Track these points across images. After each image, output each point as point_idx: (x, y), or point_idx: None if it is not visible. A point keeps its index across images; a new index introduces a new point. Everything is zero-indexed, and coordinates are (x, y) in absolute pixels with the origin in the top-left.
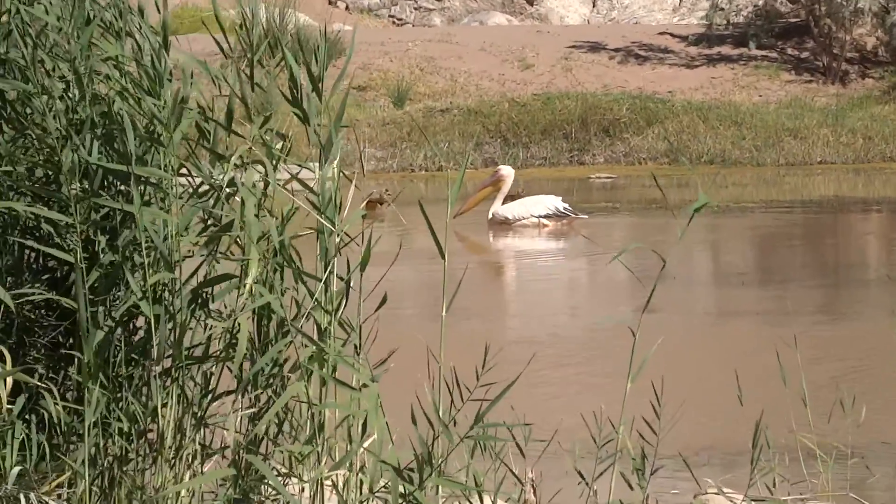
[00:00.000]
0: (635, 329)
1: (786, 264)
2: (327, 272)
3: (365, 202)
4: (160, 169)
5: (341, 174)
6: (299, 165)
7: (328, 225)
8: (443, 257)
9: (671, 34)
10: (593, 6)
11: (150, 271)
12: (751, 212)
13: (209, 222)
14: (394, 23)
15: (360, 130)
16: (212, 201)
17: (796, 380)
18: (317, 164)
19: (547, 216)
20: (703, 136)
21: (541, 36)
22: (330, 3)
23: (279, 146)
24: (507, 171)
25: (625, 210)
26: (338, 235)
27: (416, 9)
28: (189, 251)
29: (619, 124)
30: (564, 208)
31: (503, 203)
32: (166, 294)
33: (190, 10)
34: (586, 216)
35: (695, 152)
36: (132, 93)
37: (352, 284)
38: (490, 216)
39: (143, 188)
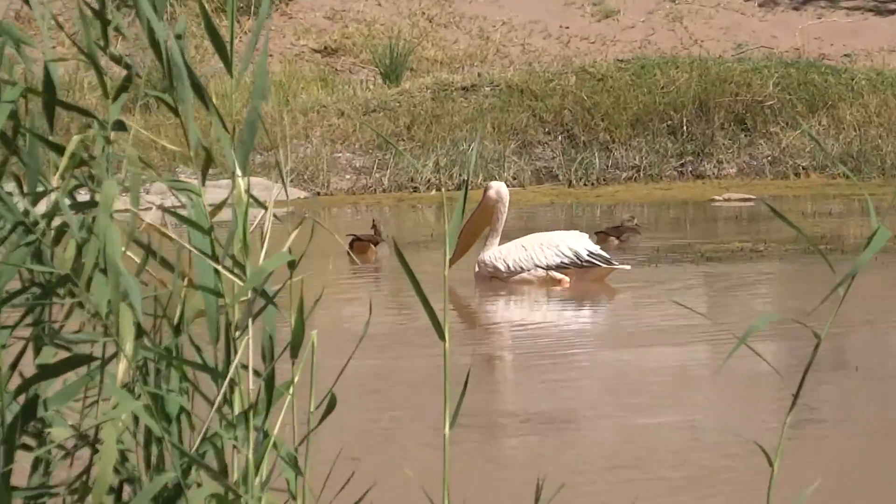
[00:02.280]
0: (776, 452)
1: None
2: (234, 363)
3: (349, 243)
4: None
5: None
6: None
7: (231, 276)
8: (442, 338)
9: None
10: None
11: None
12: None
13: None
14: None
15: (329, 122)
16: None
17: None
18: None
19: (561, 266)
20: None
21: None
22: None
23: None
24: (497, 191)
25: (773, 254)
26: (248, 294)
27: None
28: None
29: (761, 111)
30: (589, 254)
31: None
32: None
33: None
34: (628, 266)
35: (890, 156)
36: None
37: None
38: (476, 267)
39: None
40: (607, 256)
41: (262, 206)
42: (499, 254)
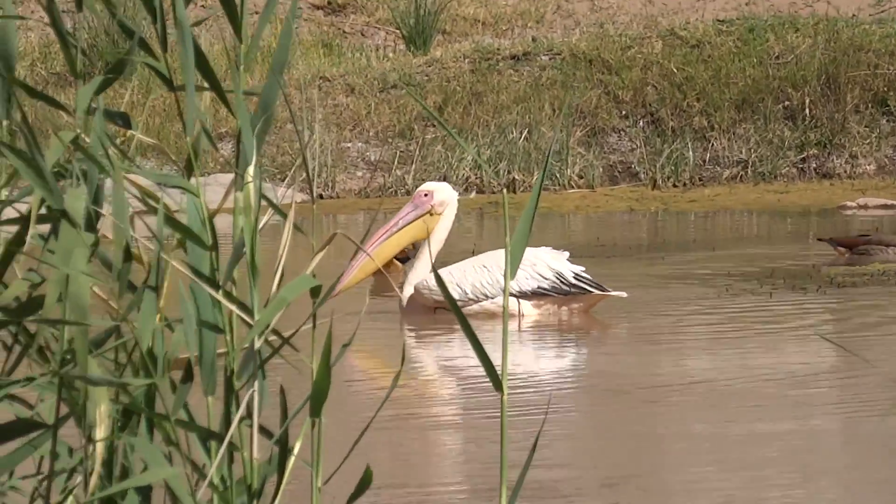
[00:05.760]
0: None
1: None
2: (231, 429)
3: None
4: None
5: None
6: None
7: (237, 311)
8: (498, 388)
9: None
10: None
11: None
12: None
13: None
14: None
15: (334, 101)
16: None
17: None
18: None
19: (539, 292)
20: None
21: None
22: None
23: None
24: (440, 193)
25: None
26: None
27: None
28: None
29: None
30: (576, 276)
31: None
32: None
33: None
34: (624, 294)
35: None
36: None
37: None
38: (405, 294)
39: None
40: (592, 280)
41: (280, 212)
42: (450, 276)
